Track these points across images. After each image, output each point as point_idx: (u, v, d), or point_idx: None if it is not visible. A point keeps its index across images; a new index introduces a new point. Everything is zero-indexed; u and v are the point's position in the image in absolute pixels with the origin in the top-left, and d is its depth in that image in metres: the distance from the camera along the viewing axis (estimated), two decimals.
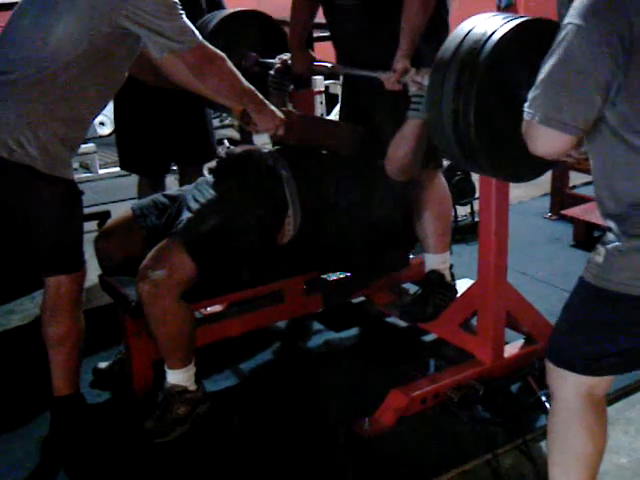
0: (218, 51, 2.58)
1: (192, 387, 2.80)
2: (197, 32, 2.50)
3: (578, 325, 1.93)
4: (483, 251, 2.87)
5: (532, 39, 2.24)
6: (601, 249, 1.82)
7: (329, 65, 3.16)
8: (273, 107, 2.82)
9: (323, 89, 4.82)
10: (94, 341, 2.95)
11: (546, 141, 1.78)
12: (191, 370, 2.79)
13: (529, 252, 4.32)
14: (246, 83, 2.69)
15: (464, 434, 2.72)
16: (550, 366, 2.00)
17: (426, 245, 3.12)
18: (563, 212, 4.73)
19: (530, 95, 1.78)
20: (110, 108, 7.11)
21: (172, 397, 2.76)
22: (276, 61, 3.31)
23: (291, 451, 2.68)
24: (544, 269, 4.12)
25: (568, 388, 1.96)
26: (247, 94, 2.72)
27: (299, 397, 3.01)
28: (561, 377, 1.97)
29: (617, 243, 1.78)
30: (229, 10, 3.43)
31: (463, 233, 4.38)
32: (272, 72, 3.27)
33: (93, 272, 2.99)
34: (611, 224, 1.81)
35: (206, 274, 2.69)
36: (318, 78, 4.68)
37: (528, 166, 2.38)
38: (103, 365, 3.12)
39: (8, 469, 2.63)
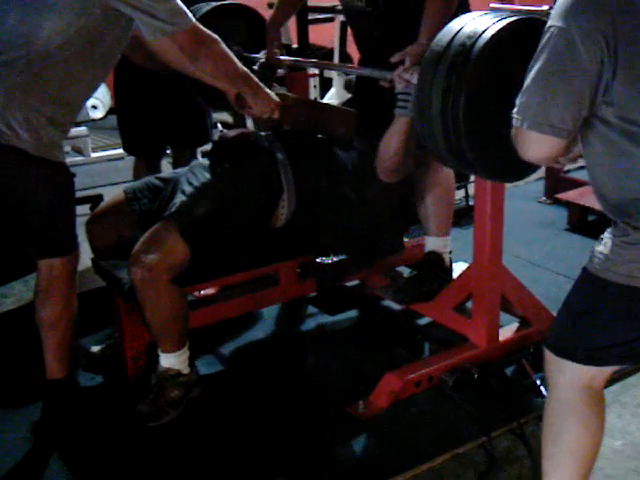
0: (212, 33, 2.55)
1: (185, 370, 2.79)
2: (190, 14, 2.47)
3: (581, 315, 1.91)
4: (478, 234, 2.86)
5: (523, 38, 2.17)
6: (607, 240, 1.80)
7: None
8: (268, 90, 2.80)
9: (317, 72, 4.81)
10: (87, 324, 2.94)
11: (536, 146, 1.76)
12: (184, 354, 2.78)
13: (524, 236, 4.32)
14: (241, 66, 2.67)
15: (458, 417, 2.72)
16: (549, 356, 1.97)
17: (427, 228, 3.10)
18: (558, 196, 4.73)
19: (518, 101, 1.76)
20: (103, 92, 7.15)
21: (165, 381, 2.75)
22: (260, 56, 3.29)
23: (284, 433, 2.67)
24: (539, 253, 4.13)
25: (566, 379, 1.94)
26: (242, 77, 2.69)
27: (293, 380, 3.00)
28: (560, 367, 1.94)
29: (624, 236, 1.76)
30: (214, 3, 3.39)
31: (458, 217, 4.36)
32: (256, 67, 3.25)
33: (86, 255, 2.97)
34: (617, 218, 1.79)
35: (199, 257, 2.67)
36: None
37: (520, 166, 2.34)
38: (96, 349, 3.11)
39: (1, 452, 2.61)
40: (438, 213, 3.08)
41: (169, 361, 2.76)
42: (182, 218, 2.68)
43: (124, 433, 2.69)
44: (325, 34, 5.75)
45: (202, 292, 3.33)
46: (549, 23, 1.70)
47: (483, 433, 2.59)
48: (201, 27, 2.52)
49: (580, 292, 1.91)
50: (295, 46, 3.87)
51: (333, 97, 5.76)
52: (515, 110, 1.76)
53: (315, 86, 5.20)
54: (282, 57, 3.26)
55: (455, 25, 2.28)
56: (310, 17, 4.19)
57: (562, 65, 1.67)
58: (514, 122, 1.77)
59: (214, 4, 3.36)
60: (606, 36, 1.62)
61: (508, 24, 2.23)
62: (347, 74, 5.02)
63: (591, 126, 1.75)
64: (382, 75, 2.70)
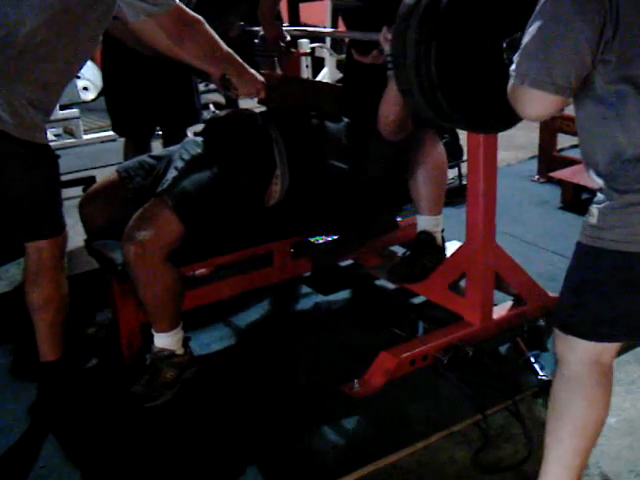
0: (195, 14, 2.54)
1: (180, 351, 2.79)
2: None
3: (582, 290, 1.90)
4: (471, 213, 2.86)
5: None
6: (594, 210, 1.80)
7: (310, 29, 3.14)
8: (253, 71, 2.78)
9: (309, 51, 4.78)
10: (81, 306, 2.93)
11: (537, 104, 1.75)
12: (179, 334, 2.78)
13: (517, 215, 4.33)
14: (225, 47, 2.64)
15: (453, 396, 2.72)
16: (558, 333, 1.97)
17: (419, 207, 3.09)
18: (551, 175, 4.73)
19: (516, 59, 1.75)
20: (94, 73, 7.11)
21: (160, 361, 2.75)
22: (260, 29, 3.28)
23: (279, 413, 2.67)
24: (532, 231, 4.13)
25: (577, 355, 1.94)
26: (226, 58, 2.68)
27: (288, 360, 3.00)
28: (570, 345, 1.94)
29: (609, 201, 1.76)
30: None
31: (451, 196, 4.35)
32: (258, 40, 3.24)
33: (79, 237, 2.96)
34: (601, 182, 1.79)
35: (193, 235, 2.66)
36: (304, 41, 4.64)
37: (501, 116, 2.34)
38: (90, 330, 3.10)
39: None
40: (430, 192, 3.07)
41: (163, 341, 2.76)
42: (175, 193, 2.65)
43: (119, 414, 2.69)
44: (316, 13, 5.72)
45: (196, 272, 3.32)
46: None
47: (478, 411, 2.60)
48: (184, 8, 2.50)
49: (577, 267, 1.90)
50: (286, 25, 3.85)
51: (325, 77, 5.75)
52: (513, 68, 1.75)
53: (307, 66, 5.17)
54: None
55: None
56: None
57: (563, 22, 1.66)
58: (512, 80, 1.76)
59: None
60: None
61: None
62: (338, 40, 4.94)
63: (585, 85, 1.74)
64: (369, 37, 2.70)
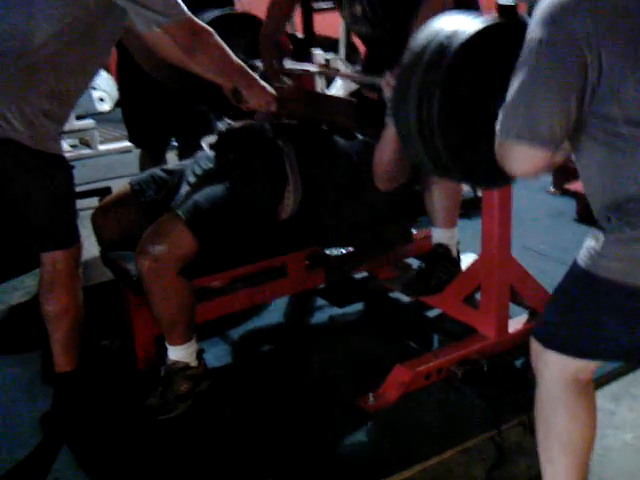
0: (207, 26, 2.54)
1: (194, 363, 2.78)
2: (184, 6, 2.45)
3: (568, 308, 1.90)
4: (486, 225, 2.85)
5: (503, 41, 2.10)
6: (600, 236, 1.77)
7: (313, 69, 3.13)
8: (264, 83, 2.78)
9: (324, 63, 4.76)
10: (96, 317, 2.93)
11: (524, 160, 1.73)
12: (193, 346, 2.78)
13: (532, 226, 4.31)
14: (236, 59, 2.64)
15: (468, 410, 2.71)
16: (535, 348, 1.96)
17: (434, 219, 3.08)
18: (566, 186, 4.70)
19: (500, 115, 1.73)
20: (110, 84, 7.14)
21: (174, 374, 2.75)
22: (259, 65, 3.26)
23: (293, 427, 2.67)
24: (547, 243, 4.11)
25: (552, 372, 1.93)
26: (237, 70, 2.67)
27: (302, 373, 3.00)
28: (545, 360, 1.94)
29: (619, 233, 1.73)
30: (217, 12, 3.37)
31: (466, 208, 4.35)
32: (258, 74, 3.23)
33: (95, 248, 2.97)
34: (611, 215, 1.76)
35: (207, 249, 2.66)
36: (318, 53, 4.63)
37: (496, 173, 2.27)
38: (105, 341, 3.10)
39: (11, 446, 2.62)
40: (445, 205, 3.06)
41: (177, 354, 2.75)
42: (188, 209, 2.66)
43: (133, 426, 2.69)
44: (331, 23, 5.71)
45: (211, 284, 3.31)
46: (529, 31, 1.68)
47: (492, 426, 2.58)
48: (196, 19, 2.49)
49: (569, 286, 1.89)
50: (300, 35, 3.85)
51: (339, 88, 5.73)
52: (498, 123, 1.73)
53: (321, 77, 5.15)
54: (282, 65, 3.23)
55: (434, 26, 2.20)
56: (315, 6, 4.16)
57: (544, 73, 1.65)
58: (498, 137, 1.74)
59: (218, 13, 3.35)
60: (587, 37, 1.59)
61: (487, 27, 2.15)
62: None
63: (582, 128, 1.72)
64: (372, 81, 2.68)
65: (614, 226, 1.74)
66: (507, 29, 2.16)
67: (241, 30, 3.41)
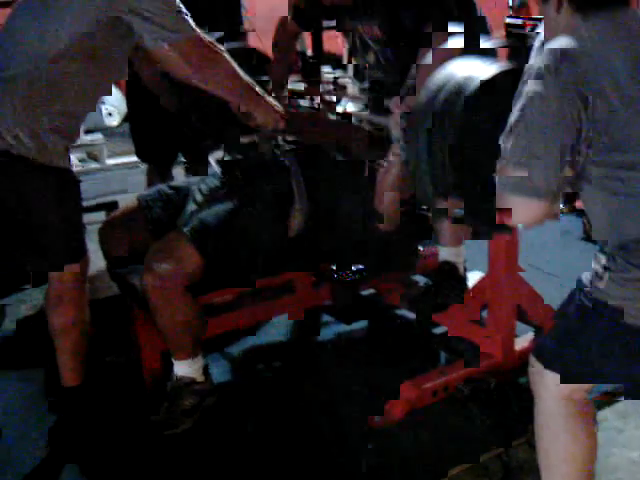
0: (216, 43, 2.54)
1: (200, 379, 2.78)
2: (193, 23, 2.46)
3: (566, 334, 1.92)
4: (494, 243, 2.85)
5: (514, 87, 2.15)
6: (604, 273, 1.78)
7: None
8: (273, 100, 2.79)
9: (332, 80, 4.77)
10: (102, 332, 2.94)
11: (521, 211, 1.75)
12: (199, 362, 2.78)
13: (539, 245, 4.29)
14: (244, 76, 2.65)
15: (474, 427, 2.70)
16: (534, 367, 1.98)
17: (441, 238, 3.09)
18: (575, 205, 4.70)
19: (498, 166, 1.74)
20: (118, 99, 7.17)
21: (180, 389, 2.75)
22: None
23: (299, 443, 2.66)
24: (554, 262, 4.10)
25: (548, 391, 1.95)
26: (245, 87, 2.67)
27: (309, 389, 2.99)
28: (541, 379, 1.95)
29: (623, 272, 1.74)
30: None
31: None
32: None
33: (102, 262, 2.97)
34: (616, 254, 1.77)
35: (212, 267, 2.67)
36: (326, 69, 4.64)
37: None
38: (111, 355, 3.10)
39: (18, 460, 2.62)
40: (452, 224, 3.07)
41: (183, 369, 2.76)
42: (194, 227, 2.67)
43: (139, 441, 2.68)
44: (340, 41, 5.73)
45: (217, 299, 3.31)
46: (524, 87, 1.69)
47: (499, 444, 2.58)
48: (204, 36, 2.50)
49: (570, 313, 1.91)
50: (310, 53, 3.86)
51: (348, 105, 5.74)
52: (496, 175, 1.74)
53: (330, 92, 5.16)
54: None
55: (446, 71, 2.20)
56: (324, 24, 4.18)
57: (539, 128, 1.67)
58: (497, 187, 1.75)
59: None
60: (581, 92, 1.62)
61: (498, 73, 2.16)
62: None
63: (583, 175, 1.73)
64: (379, 120, 2.68)
65: (619, 266, 1.75)
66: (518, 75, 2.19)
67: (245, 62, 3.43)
